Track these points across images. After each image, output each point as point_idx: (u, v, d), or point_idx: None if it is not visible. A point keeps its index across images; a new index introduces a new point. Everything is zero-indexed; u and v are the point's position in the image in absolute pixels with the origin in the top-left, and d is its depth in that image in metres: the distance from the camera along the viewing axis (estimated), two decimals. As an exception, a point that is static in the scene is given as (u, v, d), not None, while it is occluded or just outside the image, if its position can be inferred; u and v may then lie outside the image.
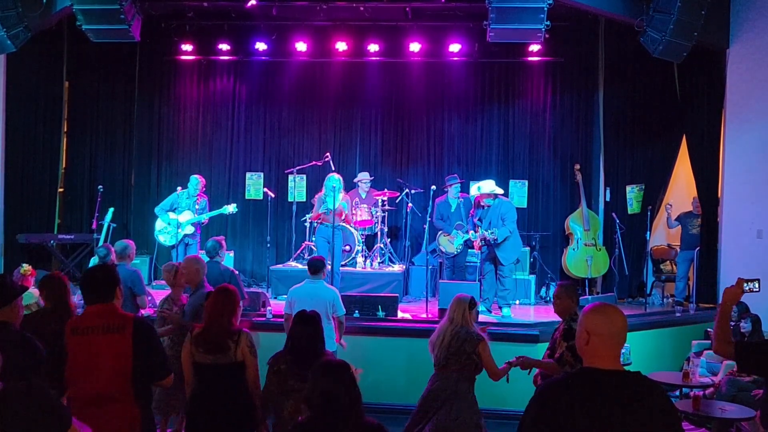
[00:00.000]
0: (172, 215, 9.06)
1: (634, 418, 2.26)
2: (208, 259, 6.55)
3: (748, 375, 5.93)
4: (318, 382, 2.77)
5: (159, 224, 9.23)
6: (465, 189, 9.46)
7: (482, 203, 8.21)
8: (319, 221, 8.72)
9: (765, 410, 3.61)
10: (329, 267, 8.34)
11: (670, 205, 9.51)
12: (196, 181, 9.20)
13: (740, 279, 3.61)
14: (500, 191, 8.30)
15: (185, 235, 8.97)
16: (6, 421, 2.37)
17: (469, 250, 9.04)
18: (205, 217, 9.09)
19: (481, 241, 8.13)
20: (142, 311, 7.22)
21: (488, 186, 8.19)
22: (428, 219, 8.87)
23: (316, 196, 8.99)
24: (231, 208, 9.16)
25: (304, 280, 6.13)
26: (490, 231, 7.93)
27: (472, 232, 8.34)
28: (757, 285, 3.70)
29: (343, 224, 8.91)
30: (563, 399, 2.31)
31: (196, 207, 9.09)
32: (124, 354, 3.30)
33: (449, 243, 8.95)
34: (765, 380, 3.62)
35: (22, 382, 2.61)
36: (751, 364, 3.59)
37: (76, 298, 7.46)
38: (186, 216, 9.02)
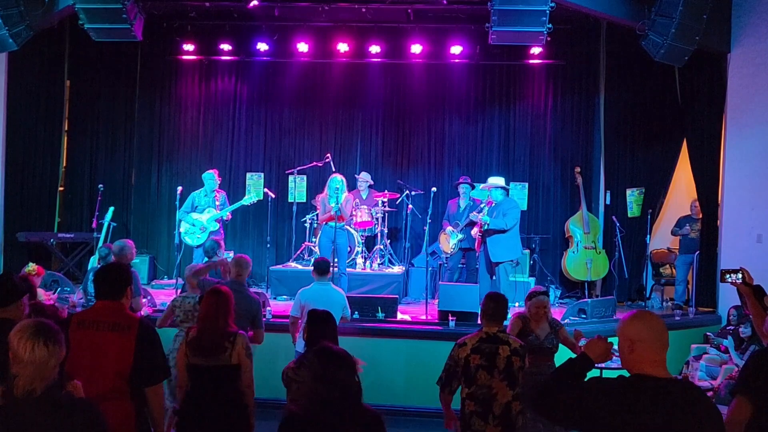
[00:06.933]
0: (195, 215, 8.75)
1: (687, 424, 2.29)
2: (207, 259, 6.54)
3: None
4: (327, 371, 2.63)
5: (183, 226, 8.85)
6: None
7: (489, 199, 8.43)
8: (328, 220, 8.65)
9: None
10: (335, 268, 8.35)
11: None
12: (212, 176, 8.85)
13: (723, 270, 3.62)
14: (500, 182, 8.52)
15: (211, 232, 8.64)
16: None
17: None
18: (227, 212, 8.78)
19: (479, 231, 8.27)
20: (141, 313, 7.23)
21: (493, 180, 8.53)
22: (428, 220, 8.88)
23: (318, 197, 8.97)
24: (251, 198, 8.91)
25: (312, 283, 6.00)
26: (485, 217, 8.14)
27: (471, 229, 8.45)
28: (740, 276, 3.75)
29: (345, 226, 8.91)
30: (618, 406, 2.31)
31: (217, 203, 8.79)
32: (126, 354, 3.31)
33: (446, 242, 9.06)
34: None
35: (80, 399, 2.63)
36: None
37: (76, 296, 7.51)
38: (208, 214, 8.73)
